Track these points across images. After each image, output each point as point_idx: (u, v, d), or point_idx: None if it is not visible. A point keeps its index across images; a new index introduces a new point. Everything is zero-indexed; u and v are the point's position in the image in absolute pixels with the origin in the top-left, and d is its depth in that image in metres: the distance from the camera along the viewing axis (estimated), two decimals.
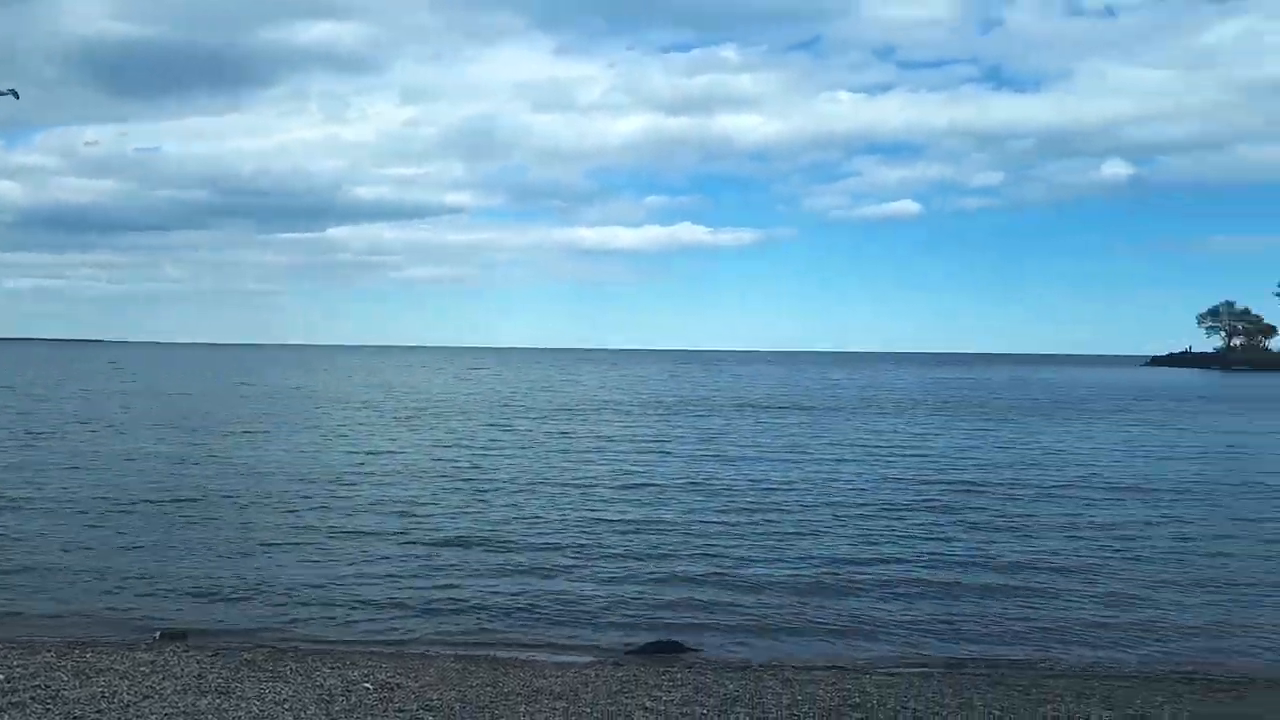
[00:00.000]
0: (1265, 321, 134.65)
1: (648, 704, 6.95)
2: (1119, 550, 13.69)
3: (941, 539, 14.26)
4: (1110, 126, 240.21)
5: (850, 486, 19.41)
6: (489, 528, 14.66)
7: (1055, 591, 11.44)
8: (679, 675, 7.91)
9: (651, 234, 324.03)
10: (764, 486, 19.16)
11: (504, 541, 13.70)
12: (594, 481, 19.52)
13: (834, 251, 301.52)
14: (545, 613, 10.36)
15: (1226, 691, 7.77)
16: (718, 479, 20.14)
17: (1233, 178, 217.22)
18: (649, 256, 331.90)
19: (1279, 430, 35.67)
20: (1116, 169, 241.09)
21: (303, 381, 66.22)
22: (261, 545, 13.34)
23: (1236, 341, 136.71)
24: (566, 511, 16.13)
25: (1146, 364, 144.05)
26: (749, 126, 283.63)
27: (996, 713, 6.94)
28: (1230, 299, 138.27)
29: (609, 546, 13.46)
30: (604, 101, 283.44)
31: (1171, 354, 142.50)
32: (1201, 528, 15.47)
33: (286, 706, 6.71)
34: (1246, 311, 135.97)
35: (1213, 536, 14.79)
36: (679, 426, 33.34)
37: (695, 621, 10.11)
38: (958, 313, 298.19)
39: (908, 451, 26.12)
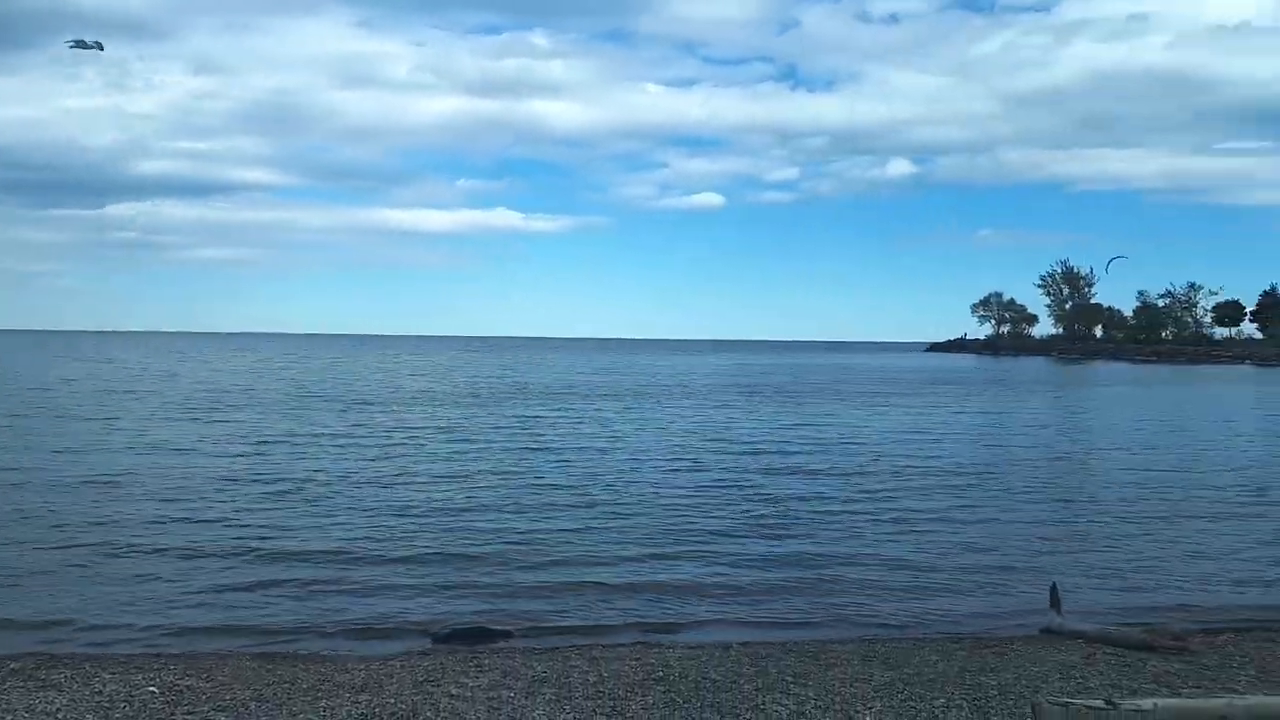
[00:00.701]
0: (1028, 311, 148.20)
1: (454, 691, 6.92)
2: (902, 523, 14.71)
3: (739, 518, 14.84)
4: (894, 128, 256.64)
5: (659, 470, 19.90)
6: (287, 524, 14.04)
7: (843, 562, 12.17)
8: (487, 661, 7.91)
9: (465, 218, 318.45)
10: (580, 473, 19.31)
11: (301, 537, 13.16)
12: (398, 474, 19.05)
13: (645, 240, 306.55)
14: (349, 607, 10.06)
15: (991, 649, 8.54)
16: (531, 467, 20.15)
17: (997, 179, 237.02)
18: (462, 241, 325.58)
19: (1041, 409, 39.46)
20: (901, 167, 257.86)
21: (71, 373, 60.89)
22: (30, 548, 12.23)
23: (1004, 329, 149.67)
24: (370, 503, 15.68)
25: (927, 350, 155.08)
26: (560, 113, 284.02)
27: (789, 678, 7.35)
28: (999, 290, 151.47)
29: (415, 537, 13.19)
30: (411, 80, 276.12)
31: (949, 340, 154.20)
32: (974, 500, 16.86)
33: (60, 717, 6.23)
34: (1012, 302, 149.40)
35: (983, 509, 16.14)
36: (491, 415, 33.05)
37: (505, 607, 10.11)
38: (759, 301, 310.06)
39: (717, 434, 27.02)
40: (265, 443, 23.32)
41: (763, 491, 17.11)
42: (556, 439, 25.27)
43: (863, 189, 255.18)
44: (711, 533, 13.66)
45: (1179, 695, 6.74)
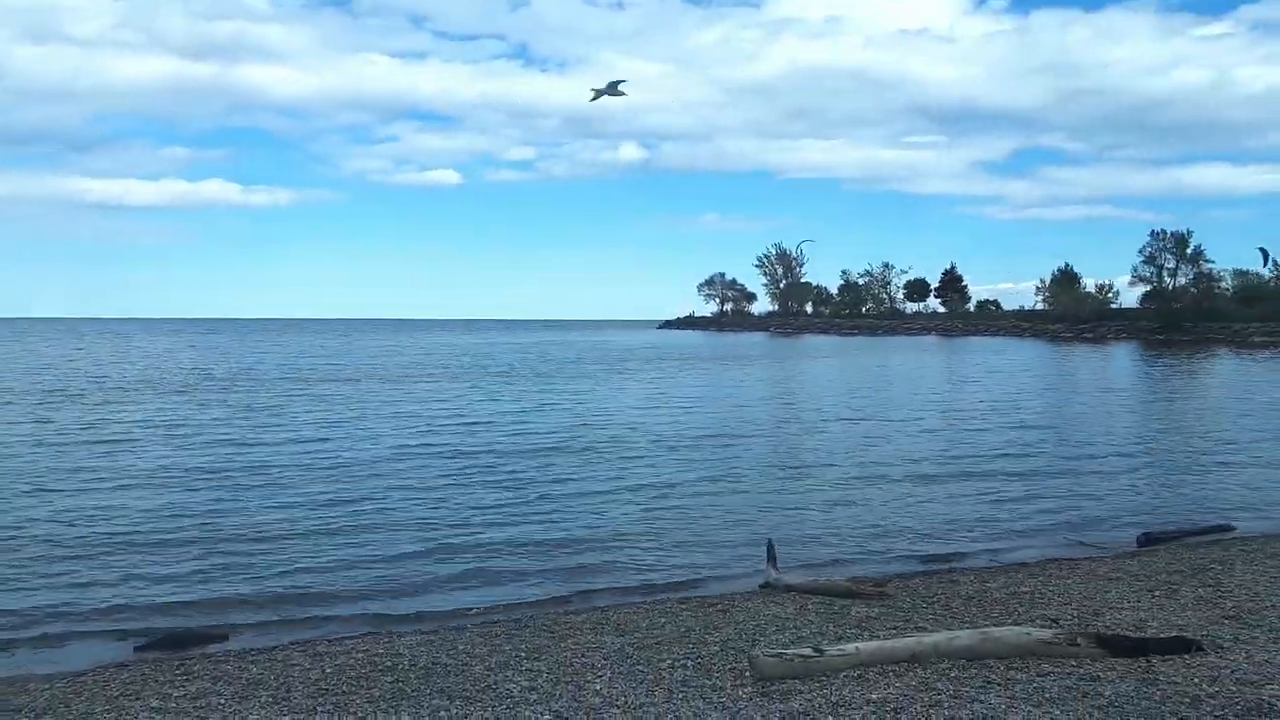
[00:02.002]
0: (748, 289, 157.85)
1: (155, 703, 6.28)
2: (636, 492, 15.14)
3: (479, 499, 14.67)
4: (624, 112, 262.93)
5: (388, 455, 19.25)
6: None
7: (580, 536, 12.34)
8: (197, 667, 7.27)
9: (173, 189, 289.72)
10: (303, 461, 18.25)
11: None
12: (103, 472, 17.16)
13: (379, 217, 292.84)
14: (31, 614, 8.92)
15: (715, 607, 8.94)
16: (250, 460, 18.78)
17: (718, 165, 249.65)
18: (171, 214, 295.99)
19: (761, 379, 42.17)
20: (631, 152, 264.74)
21: None
22: None
23: (728, 307, 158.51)
24: (69, 503, 14.00)
25: (660, 327, 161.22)
26: (281, 80, 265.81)
27: (523, 654, 7.32)
28: (722, 270, 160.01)
29: (113, 539, 11.91)
30: (109, 38, 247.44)
31: (679, 318, 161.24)
32: (701, 469, 17.66)
33: None
34: (734, 281, 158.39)
35: (711, 476, 16.95)
36: (209, 405, 30.54)
37: (221, 608, 9.36)
38: (498, 280, 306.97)
39: (456, 415, 26.54)
40: None
41: (502, 471, 17.01)
42: (281, 427, 23.78)
43: (596, 171, 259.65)
44: (450, 517, 13.37)
45: (877, 637, 7.38)
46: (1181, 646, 6.52)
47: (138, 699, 6.41)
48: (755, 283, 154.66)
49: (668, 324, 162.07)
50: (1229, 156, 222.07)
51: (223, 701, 6.28)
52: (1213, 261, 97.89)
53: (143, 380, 39.23)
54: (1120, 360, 60.05)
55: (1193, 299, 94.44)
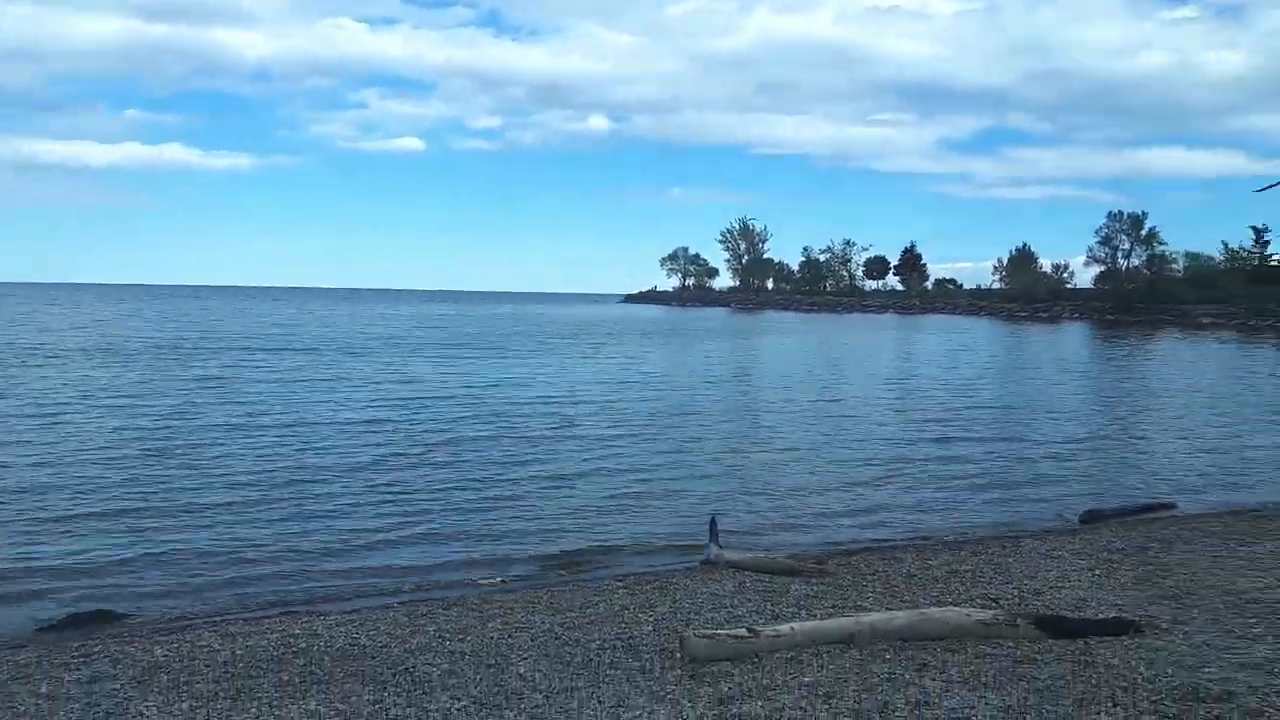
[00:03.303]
0: (711, 265, 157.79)
1: (45, 689, 5.89)
2: (577, 472, 14.86)
3: (409, 480, 14.16)
4: (594, 83, 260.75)
5: (329, 429, 18.78)
6: None
7: (524, 512, 12.05)
8: (99, 648, 6.87)
9: (131, 152, 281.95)
10: (238, 435, 17.71)
11: None
12: (22, 444, 16.51)
13: (341, 183, 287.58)
14: None
15: (653, 584, 8.70)
16: (185, 432, 18.20)
17: (687, 139, 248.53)
18: (128, 177, 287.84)
19: (718, 355, 42.05)
20: (599, 122, 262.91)
21: None
22: None
23: (690, 282, 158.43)
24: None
25: (622, 301, 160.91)
26: (247, 43, 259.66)
27: (447, 635, 7.01)
28: (685, 245, 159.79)
29: (23, 515, 11.36)
30: None
31: (642, 292, 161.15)
32: (651, 444, 17.43)
33: None
34: (697, 256, 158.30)
35: (660, 451, 16.72)
36: (149, 375, 29.67)
37: (134, 586, 8.94)
38: (456, 251, 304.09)
39: (404, 391, 26.04)
40: None
41: (447, 447, 16.57)
42: (222, 399, 23.14)
43: (564, 142, 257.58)
44: (388, 493, 12.98)
45: (814, 617, 7.18)
46: (1120, 628, 6.38)
47: (27, 683, 6.02)
48: (718, 258, 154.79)
49: (630, 298, 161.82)
50: (1186, 140, 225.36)
51: (118, 687, 5.90)
52: (1166, 244, 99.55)
53: (85, 349, 38.06)
54: (1072, 340, 60.82)
55: (1145, 281, 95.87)
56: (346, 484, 13.31)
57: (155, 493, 12.47)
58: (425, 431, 18.03)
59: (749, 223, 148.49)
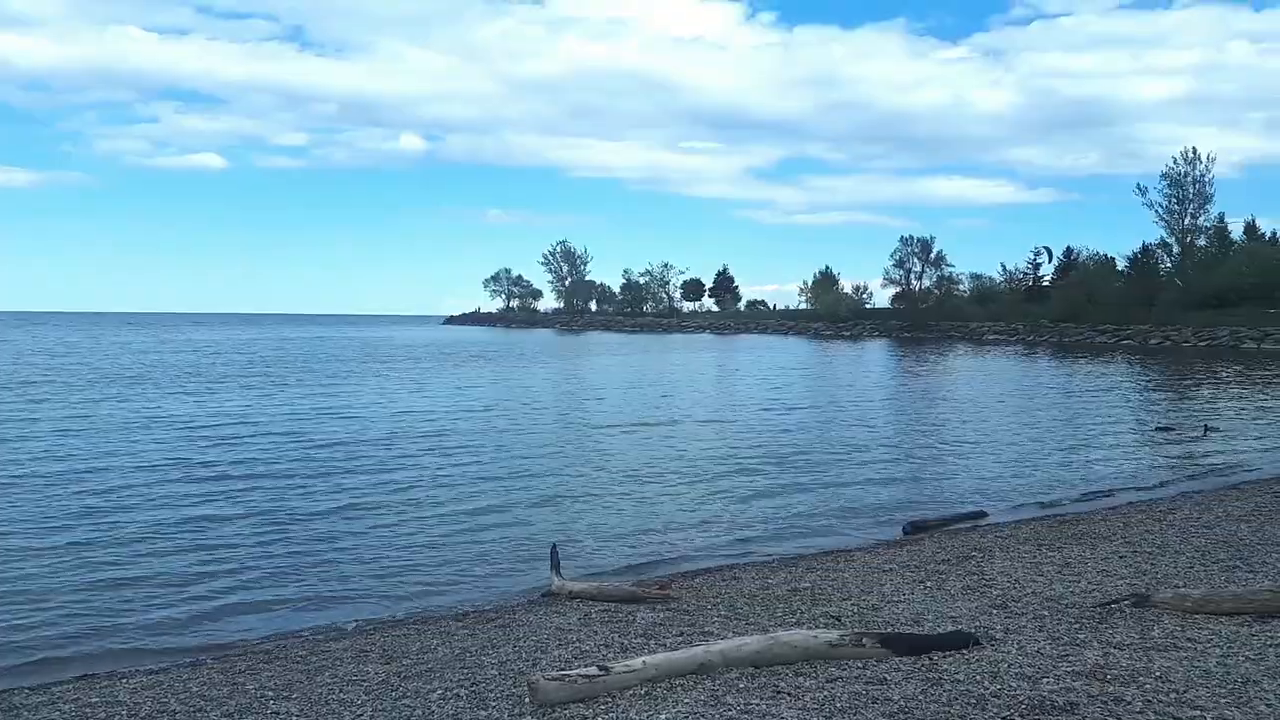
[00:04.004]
0: (535, 286, 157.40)
1: None
2: (416, 503, 14.20)
3: (213, 524, 13.12)
4: (406, 102, 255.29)
5: (125, 467, 17.19)
6: None
7: (348, 549, 11.32)
8: None
9: None
10: (27, 478, 15.92)
11: None
12: None
13: (132, 202, 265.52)
14: None
15: (493, 621, 8.32)
16: None
17: (504, 160, 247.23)
18: None
19: (546, 377, 41.72)
20: (413, 142, 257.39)
21: None
22: None
23: (514, 303, 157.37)
24: None
25: (444, 322, 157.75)
26: (24, 49, 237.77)
27: (270, 694, 6.39)
28: (508, 266, 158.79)
29: None
30: None
31: (464, 314, 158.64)
32: (479, 471, 16.92)
33: None
34: (520, 278, 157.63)
35: (490, 478, 16.24)
36: None
37: None
38: (264, 273, 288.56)
39: (207, 426, 24.25)
40: None
41: (255, 485, 15.25)
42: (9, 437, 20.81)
43: (375, 161, 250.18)
44: (192, 539, 11.78)
45: (664, 646, 7.02)
46: (960, 641, 6.55)
47: None
48: (541, 279, 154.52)
49: (452, 319, 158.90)
50: (964, 169, 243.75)
51: None
52: (953, 266, 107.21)
53: None
54: (876, 356, 64.34)
55: (936, 300, 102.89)
56: (145, 532, 12.03)
57: None
58: (234, 470, 16.70)
59: (570, 246, 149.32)
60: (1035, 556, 9.96)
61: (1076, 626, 7.02)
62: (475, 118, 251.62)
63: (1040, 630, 6.99)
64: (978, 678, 5.79)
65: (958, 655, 6.33)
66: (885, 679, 5.88)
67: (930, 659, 6.26)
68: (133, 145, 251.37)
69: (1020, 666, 5.95)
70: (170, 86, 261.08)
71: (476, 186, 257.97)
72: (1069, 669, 5.88)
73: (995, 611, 7.66)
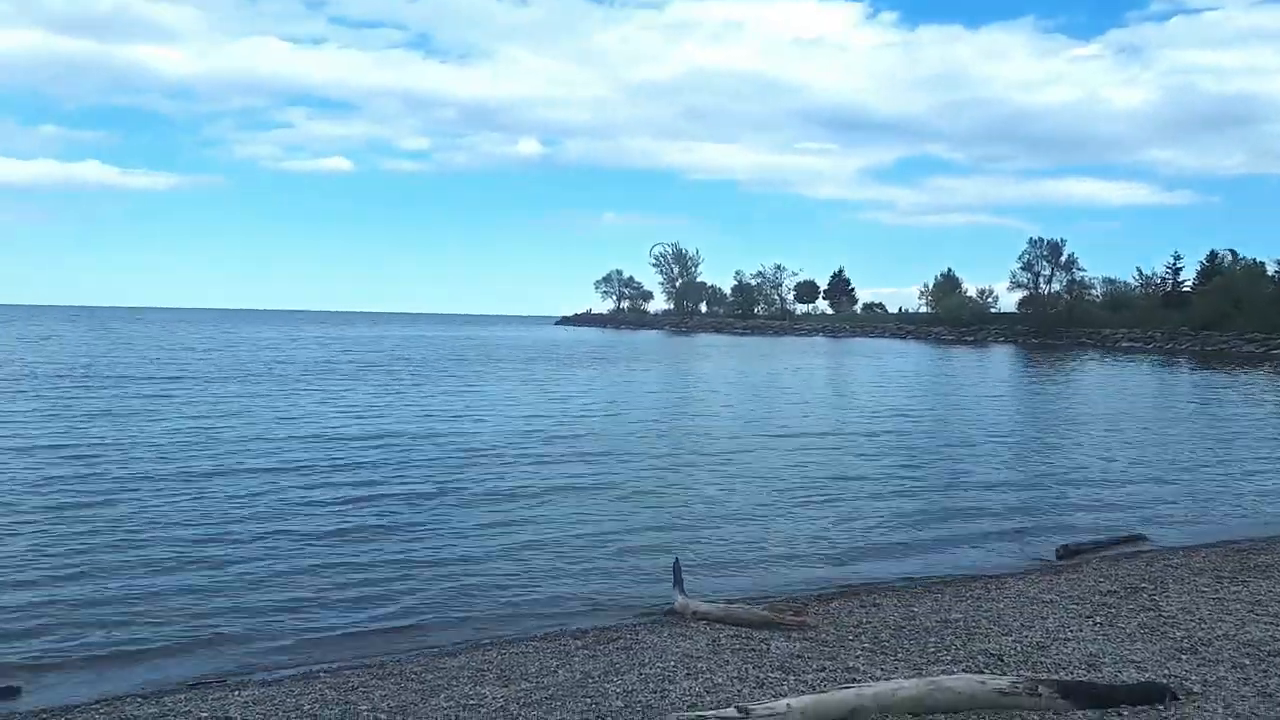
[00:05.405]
0: (645, 288, 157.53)
1: None
2: (518, 506, 13.86)
3: (324, 522, 13.01)
4: (524, 106, 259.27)
5: (240, 469, 17.44)
6: None
7: (457, 559, 10.97)
8: None
9: (46, 169, 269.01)
10: (145, 479, 16.28)
11: None
12: None
13: (266, 204, 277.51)
14: None
15: (615, 642, 7.80)
16: (83, 478, 16.71)
17: (618, 163, 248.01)
18: (43, 196, 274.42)
19: (660, 379, 41.29)
20: (530, 146, 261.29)
21: None
22: None
23: (624, 304, 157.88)
24: None
25: (557, 323, 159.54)
26: (168, 61, 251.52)
27: (385, 712, 6.01)
28: (620, 268, 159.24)
29: None
30: None
31: (576, 314, 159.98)
32: (593, 477, 16.50)
33: None
34: (631, 279, 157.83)
35: (604, 486, 15.79)
36: (52, 406, 27.72)
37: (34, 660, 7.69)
38: (387, 272, 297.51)
39: (318, 422, 24.65)
40: None
41: (367, 485, 15.00)
42: (132, 438, 21.51)
43: (495, 165, 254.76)
44: (296, 540, 11.44)
45: (804, 682, 6.36)
46: (1154, 695, 5.69)
47: None
48: (652, 281, 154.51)
49: (564, 320, 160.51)
50: (1097, 170, 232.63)
51: None
52: (1084, 270, 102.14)
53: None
54: (1001, 363, 61.62)
55: (1066, 305, 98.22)
56: (252, 534, 11.80)
57: (50, 548, 11.02)
58: (351, 472, 16.63)
59: (681, 247, 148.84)
60: (1217, 591, 8.87)
61: None
62: (591, 122, 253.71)
63: (1245, 684, 6.05)
64: None
65: (1153, 711, 5.49)
66: None
67: (1121, 715, 5.44)
68: (266, 150, 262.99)
69: None
70: (304, 93, 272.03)
71: (592, 189, 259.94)
72: None
73: (1184, 657, 6.72)
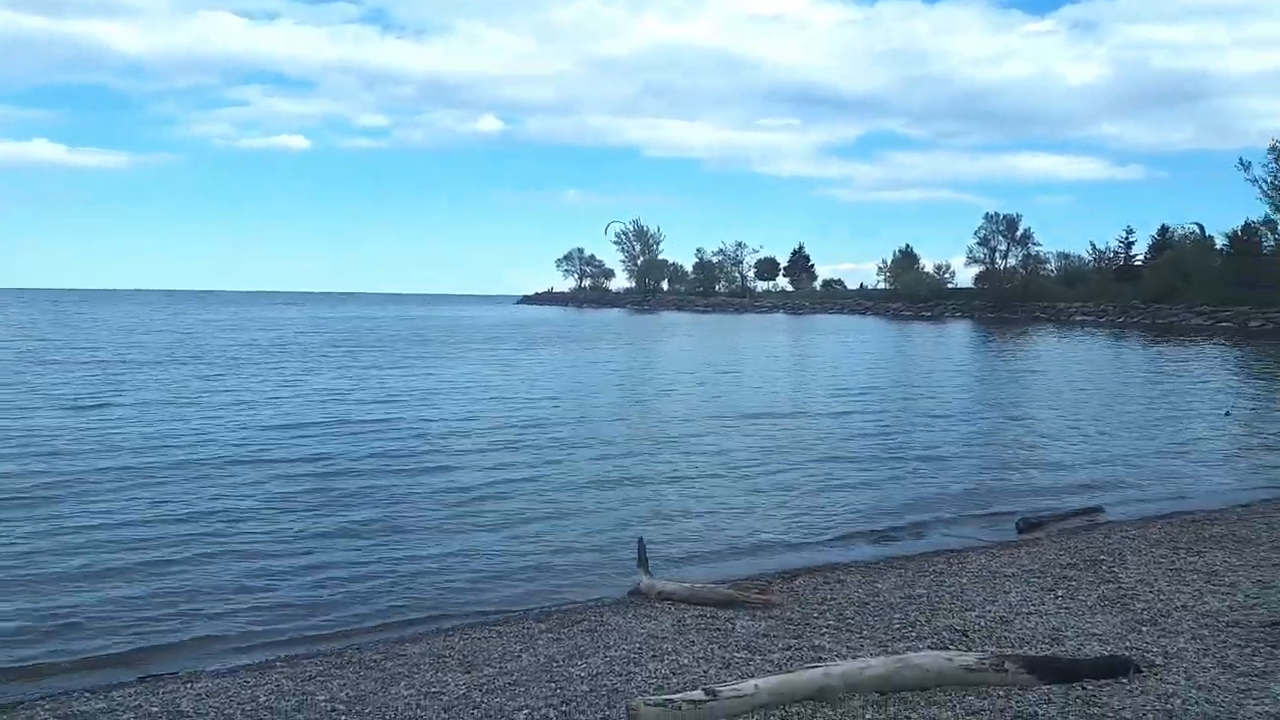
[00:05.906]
0: (607, 266, 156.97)
1: None
2: (479, 491, 13.70)
3: (276, 515, 12.70)
4: (484, 83, 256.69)
5: (195, 458, 17.07)
6: None
7: (417, 542, 10.81)
8: None
9: None
10: (103, 465, 15.89)
11: None
12: None
13: (221, 183, 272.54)
14: None
15: (579, 624, 7.71)
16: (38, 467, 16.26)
17: (579, 140, 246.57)
18: None
19: (619, 359, 41.16)
20: (490, 123, 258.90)
21: None
22: None
23: (586, 283, 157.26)
24: None
25: (518, 302, 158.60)
26: (120, 37, 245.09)
27: (342, 705, 5.86)
28: (581, 246, 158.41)
29: None
30: None
31: (538, 293, 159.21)
32: (552, 458, 16.37)
33: None
34: (593, 257, 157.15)
35: (567, 467, 15.68)
36: (28, 393, 26.96)
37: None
38: (344, 252, 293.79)
39: (273, 407, 24.24)
40: None
41: (322, 472, 14.70)
42: (101, 423, 20.98)
43: (454, 142, 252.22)
44: (250, 531, 11.09)
45: (770, 662, 6.32)
46: (1118, 668, 5.71)
47: None
48: (614, 259, 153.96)
49: (526, 299, 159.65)
50: (1051, 146, 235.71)
51: None
52: (1039, 244, 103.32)
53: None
54: (958, 339, 62.29)
55: (1021, 280, 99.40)
56: (211, 521, 11.68)
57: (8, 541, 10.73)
58: (306, 458, 16.39)
59: (643, 224, 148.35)
60: (1174, 562, 8.97)
61: (1249, 652, 6.10)
62: (553, 98, 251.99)
63: (1205, 655, 6.09)
64: (1147, 714, 4.96)
65: (1116, 685, 5.50)
66: (1036, 714, 5.09)
67: (1085, 688, 5.44)
68: (220, 128, 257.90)
69: (1199, 703, 5.10)
70: (258, 70, 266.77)
71: (553, 167, 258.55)
72: (1259, 709, 5.01)
73: (1145, 629, 6.77)
